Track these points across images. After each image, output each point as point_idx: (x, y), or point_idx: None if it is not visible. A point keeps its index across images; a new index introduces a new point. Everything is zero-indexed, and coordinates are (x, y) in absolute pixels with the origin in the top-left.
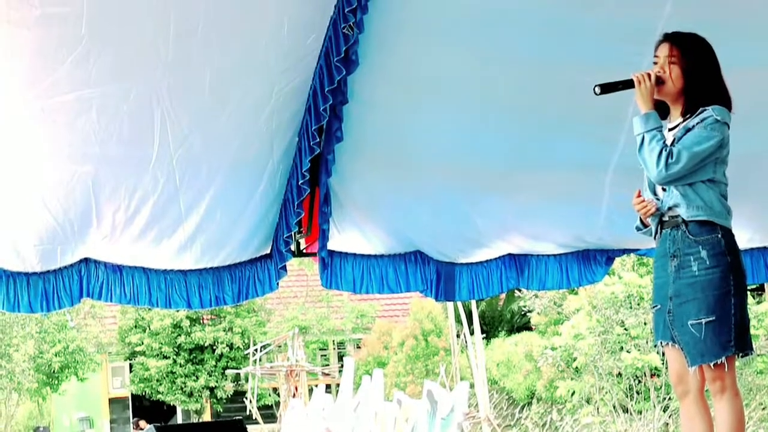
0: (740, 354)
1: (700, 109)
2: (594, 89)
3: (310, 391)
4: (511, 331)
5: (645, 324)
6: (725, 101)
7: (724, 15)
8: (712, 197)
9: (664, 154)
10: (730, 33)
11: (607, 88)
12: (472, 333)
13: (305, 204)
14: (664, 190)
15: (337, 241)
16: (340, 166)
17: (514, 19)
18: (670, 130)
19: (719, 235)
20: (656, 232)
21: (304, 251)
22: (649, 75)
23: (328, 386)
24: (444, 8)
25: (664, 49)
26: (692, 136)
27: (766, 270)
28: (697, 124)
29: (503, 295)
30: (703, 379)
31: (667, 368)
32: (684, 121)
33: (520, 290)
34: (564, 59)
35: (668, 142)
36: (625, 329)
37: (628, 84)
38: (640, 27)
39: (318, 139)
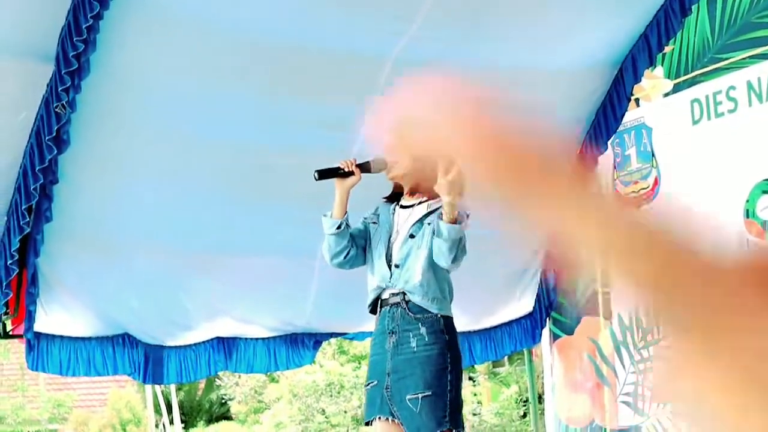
0: (453, 431)
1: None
2: (313, 174)
3: None
4: (210, 420)
5: (345, 412)
6: None
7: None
8: (445, 286)
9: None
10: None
11: (324, 174)
12: (171, 422)
13: (13, 284)
14: (396, 266)
15: (44, 323)
16: (49, 247)
17: (220, 105)
18: (404, 207)
19: (438, 315)
20: (374, 310)
21: (11, 333)
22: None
23: None
24: (151, 94)
25: None
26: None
27: (469, 354)
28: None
29: (202, 384)
30: None
31: None
32: (427, 204)
33: (220, 378)
34: (274, 144)
35: (401, 222)
36: (326, 417)
37: (348, 173)
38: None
39: (27, 219)
